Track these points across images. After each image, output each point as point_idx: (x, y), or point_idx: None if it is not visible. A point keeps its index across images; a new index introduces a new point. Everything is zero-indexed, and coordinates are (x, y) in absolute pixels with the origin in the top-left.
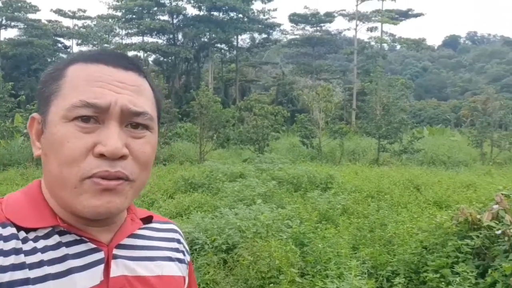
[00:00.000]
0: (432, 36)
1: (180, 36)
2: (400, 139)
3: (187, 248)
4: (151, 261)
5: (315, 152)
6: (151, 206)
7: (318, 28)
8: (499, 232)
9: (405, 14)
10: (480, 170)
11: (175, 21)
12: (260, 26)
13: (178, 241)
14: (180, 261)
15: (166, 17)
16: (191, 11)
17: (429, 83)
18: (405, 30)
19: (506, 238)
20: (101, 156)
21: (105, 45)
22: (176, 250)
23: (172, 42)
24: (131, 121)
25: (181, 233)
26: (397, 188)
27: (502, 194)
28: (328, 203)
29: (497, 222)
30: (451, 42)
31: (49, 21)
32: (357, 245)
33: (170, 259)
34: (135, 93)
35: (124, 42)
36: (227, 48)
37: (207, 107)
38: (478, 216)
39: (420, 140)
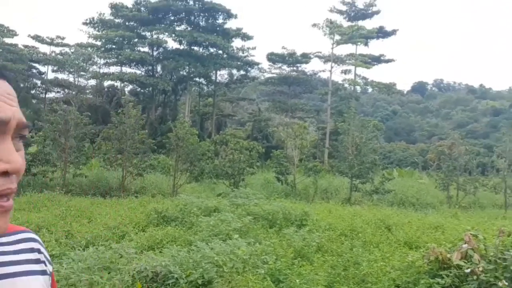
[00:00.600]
0: (401, 81)
1: (159, 68)
2: (372, 180)
3: (49, 258)
4: (10, 278)
5: (289, 189)
6: (122, 239)
7: (294, 68)
8: (468, 270)
9: (377, 59)
10: (447, 213)
11: (155, 53)
12: (239, 63)
13: (39, 251)
14: (43, 273)
15: (146, 49)
16: (172, 44)
17: (399, 126)
18: (377, 74)
19: (475, 277)
20: (3, 173)
21: (82, 73)
22: (37, 261)
23: (151, 73)
24: (20, 134)
25: (41, 241)
26: (369, 228)
27: (471, 234)
28: (303, 240)
29: (466, 261)
30: (419, 88)
31: (26, 46)
32: (332, 283)
33: (31, 273)
34: (17, 104)
35: (101, 71)
36: (205, 83)
37: (183, 139)
38: (448, 255)
39: (390, 181)
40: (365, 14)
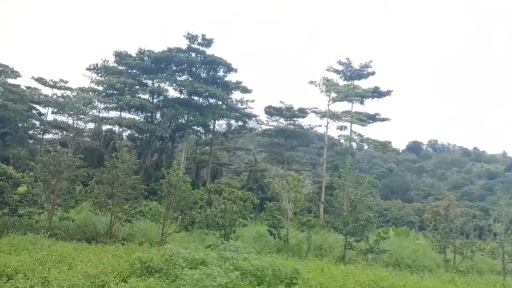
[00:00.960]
0: (397, 140)
1: (158, 115)
2: (367, 238)
3: None
4: None
5: (282, 244)
6: None
7: (291, 121)
8: None
9: (373, 117)
10: (444, 277)
11: (155, 100)
12: (237, 114)
13: None
14: None
15: (146, 96)
16: (172, 93)
17: (395, 184)
18: (373, 131)
19: None
20: None
21: (81, 116)
22: None
23: (150, 120)
24: None
25: None
26: None
27: None
28: None
29: None
30: (414, 147)
31: (28, 87)
32: None
33: None
34: None
35: (101, 115)
36: (203, 131)
37: (176, 186)
38: None
39: (385, 241)
40: (361, 74)
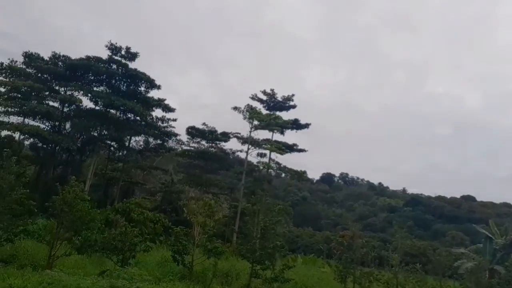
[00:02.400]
0: (311, 170)
1: (67, 125)
2: (273, 266)
3: None
4: None
5: (186, 271)
6: None
7: (213, 144)
8: None
9: (291, 147)
10: None
11: (65, 109)
12: (156, 132)
13: None
14: None
15: (56, 104)
16: (87, 103)
17: (307, 212)
18: (290, 161)
19: None
20: None
21: None
22: None
23: (57, 129)
24: None
25: None
26: None
27: None
28: None
29: None
30: (327, 178)
31: None
32: None
33: None
34: None
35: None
36: (117, 147)
37: (71, 204)
38: None
39: (292, 269)
40: (283, 106)
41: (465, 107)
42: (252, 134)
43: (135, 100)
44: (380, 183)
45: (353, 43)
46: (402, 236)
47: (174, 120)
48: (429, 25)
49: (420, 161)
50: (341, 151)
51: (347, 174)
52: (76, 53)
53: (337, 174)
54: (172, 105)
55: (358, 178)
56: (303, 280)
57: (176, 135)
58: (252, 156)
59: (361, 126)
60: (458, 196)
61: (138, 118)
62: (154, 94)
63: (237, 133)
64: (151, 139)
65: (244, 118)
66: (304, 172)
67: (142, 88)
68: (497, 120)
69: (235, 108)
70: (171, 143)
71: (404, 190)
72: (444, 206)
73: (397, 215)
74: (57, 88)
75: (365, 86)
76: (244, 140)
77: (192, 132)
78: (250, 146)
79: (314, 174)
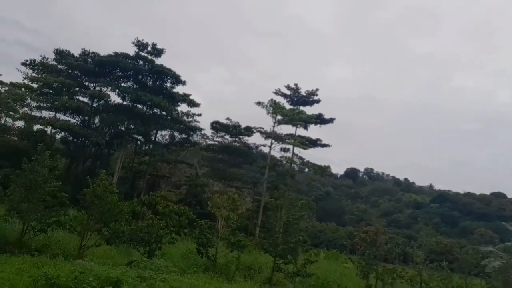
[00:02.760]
0: (335, 165)
1: (96, 120)
2: (295, 260)
3: None
4: None
5: (210, 263)
6: None
7: (237, 139)
8: None
9: (314, 142)
10: None
11: (94, 104)
12: (181, 126)
13: None
14: None
15: (85, 99)
16: (114, 99)
17: (331, 207)
18: (314, 155)
19: None
20: None
21: (11, 112)
22: None
23: (86, 124)
24: None
25: None
26: None
27: None
28: None
29: None
30: (352, 173)
31: None
32: None
33: None
34: None
35: (32, 113)
36: (143, 141)
37: (101, 197)
38: None
39: (314, 264)
40: (307, 101)
41: (494, 102)
42: (276, 129)
43: (161, 95)
44: (406, 179)
45: (375, 38)
46: (427, 233)
47: (199, 115)
48: (454, 18)
49: (448, 157)
50: (365, 146)
51: (372, 169)
52: (104, 50)
53: (362, 170)
54: (196, 100)
55: (383, 173)
56: (325, 275)
57: (200, 129)
58: (275, 150)
59: (386, 121)
60: (488, 193)
61: (164, 113)
62: (179, 89)
63: (261, 127)
64: (176, 134)
65: (268, 113)
66: (328, 167)
67: (168, 84)
68: None
69: (259, 103)
70: (195, 138)
71: (431, 186)
72: (473, 203)
73: (423, 212)
74: (86, 84)
75: (389, 81)
76: (267, 135)
77: (216, 126)
78: (273, 141)
79: (338, 169)
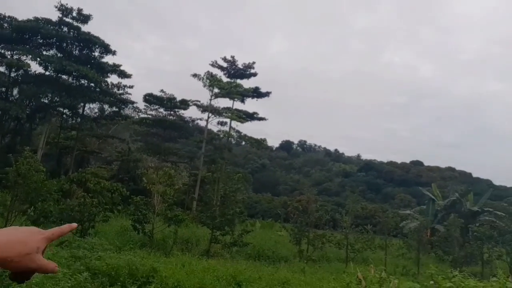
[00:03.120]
0: (272, 138)
1: (15, 91)
2: (232, 232)
3: None
4: None
5: (147, 239)
6: None
7: (172, 112)
8: None
9: (251, 116)
10: (296, 267)
11: (12, 74)
12: (112, 99)
13: None
14: None
15: (2, 69)
16: (36, 68)
17: (266, 179)
18: (250, 129)
19: None
20: None
21: None
22: None
23: (4, 96)
24: None
25: None
26: (219, 284)
27: None
28: None
29: None
30: (286, 146)
31: None
32: None
33: None
34: None
35: None
36: (70, 114)
37: (25, 176)
38: None
39: (250, 234)
40: (244, 74)
41: (419, 77)
42: (213, 102)
43: (89, 66)
44: (336, 150)
45: (315, 10)
46: (354, 199)
47: (131, 87)
48: None
49: (375, 128)
50: (301, 119)
51: (305, 141)
52: (22, 14)
53: (296, 142)
54: (128, 71)
55: (315, 145)
56: (260, 244)
57: (132, 102)
58: (212, 124)
59: (321, 94)
60: (408, 162)
61: (92, 84)
62: (109, 59)
63: (197, 101)
64: (106, 107)
65: (204, 86)
66: (264, 140)
67: (96, 53)
68: (447, 89)
69: (195, 75)
70: (127, 111)
71: (358, 156)
72: (394, 171)
73: (351, 180)
74: (2, 51)
75: (327, 54)
76: (204, 108)
77: (150, 99)
78: (210, 115)
79: (274, 142)
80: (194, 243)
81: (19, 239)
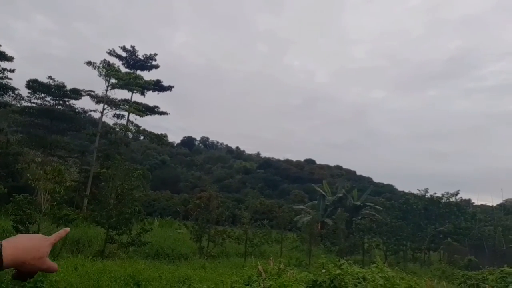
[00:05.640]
0: (173, 134)
1: None
2: (129, 231)
3: None
4: None
5: None
6: None
7: (61, 102)
8: None
9: (152, 110)
10: (197, 264)
11: None
12: None
13: None
14: None
15: None
16: None
17: (166, 175)
18: (150, 123)
19: None
20: None
21: None
22: None
23: None
24: None
25: None
26: (117, 285)
27: None
28: None
29: None
30: (188, 142)
31: None
32: None
33: None
34: None
35: None
36: None
37: None
38: None
39: (149, 233)
40: (144, 65)
41: (314, 81)
42: (109, 93)
43: None
44: (237, 147)
45: (223, 8)
46: (253, 195)
47: (12, 70)
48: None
49: (275, 128)
50: (203, 115)
51: (207, 138)
52: None
53: (198, 138)
54: (9, 53)
55: (218, 142)
56: (159, 242)
57: (13, 89)
58: (108, 117)
59: (225, 93)
60: (302, 160)
61: None
62: None
63: (91, 91)
64: None
65: (100, 75)
66: (165, 136)
67: None
68: (339, 95)
69: (89, 63)
70: (6, 98)
71: (258, 154)
72: (290, 168)
73: (251, 177)
74: None
75: (234, 52)
76: (99, 99)
77: (34, 86)
78: (106, 106)
79: (175, 137)
80: (86, 244)
81: (33, 245)
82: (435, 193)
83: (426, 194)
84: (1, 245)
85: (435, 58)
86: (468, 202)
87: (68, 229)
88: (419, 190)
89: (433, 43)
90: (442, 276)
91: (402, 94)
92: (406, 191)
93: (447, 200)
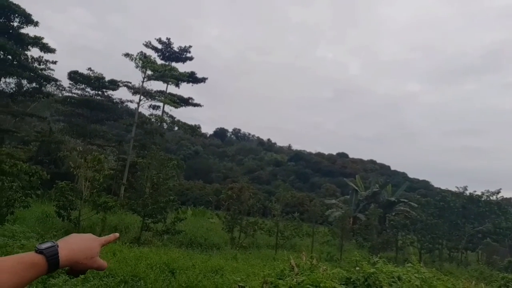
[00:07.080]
0: (206, 125)
1: None
2: (164, 219)
3: None
4: None
5: (72, 226)
6: None
7: (99, 92)
8: None
9: (186, 101)
10: (228, 254)
11: None
12: (32, 74)
13: None
14: None
15: None
16: None
17: (199, 166)
18: (184, 114)
19: None
20: None
21: None
22: None
23: None
24: None
25: None
26: (153, 272)
27: (239, 285)
28: None
29: None
30: (220, 133)
31: None
32: None
33: None
34: None
35: None
36: None
37: None
38: None
39: (182, 221)
40: (179, 57)
41: (347, 74)
42: (145, 85)
43: (6, 36)
44: (268, 139)
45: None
46: (284, 188)
47: (54, 62)
48: None
49: (306, 121)
50: (235, 107)
51: (239, 129)
52: None
53: (230, 130)
54: (52, 46)
55: (249, 134)
56: (192, 231)
57: (56, 80)
58: (144, 107)
59: (256, 84)
60: (334, 153)
61: (9, 56)
62: (29, 30)
63: (128, 82)
64: (25, 82)
65: (137, 67)
66: (198, 127)
67: (15, 23)
68: (370, 87)
69: (127, 55)
70: (49, 88)
71: (289, 147)
72: (321, 162)
73: (282, 169)
74: None
75: (265, 44)
76: (135, 90)
77: (75, 77)
78: (142, 97)
79: (208, 129)
80: (124, 230)
81: (86, 245)
82: (475, 191)
83: (465, 192)
84: (57, 246)
85: (472, 50)
86: (509, 201)
87: (117, 234)
88: (457, 188)
89: (470, 35)
90: (480, 277)
91: (436, 87)
92: (443, 187)
93: (487, 199)
